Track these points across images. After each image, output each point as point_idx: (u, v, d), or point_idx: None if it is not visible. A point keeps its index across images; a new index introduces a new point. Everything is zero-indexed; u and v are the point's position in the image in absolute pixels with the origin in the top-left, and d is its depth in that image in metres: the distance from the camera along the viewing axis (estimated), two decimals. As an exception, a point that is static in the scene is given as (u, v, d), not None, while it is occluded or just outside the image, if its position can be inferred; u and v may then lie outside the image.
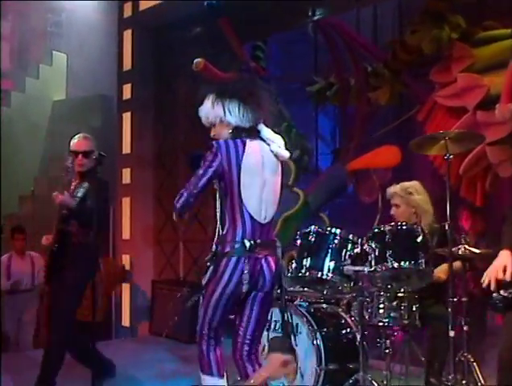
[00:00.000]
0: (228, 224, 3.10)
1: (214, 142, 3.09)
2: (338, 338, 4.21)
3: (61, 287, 4.19)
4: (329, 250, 4.03)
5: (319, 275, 4.01)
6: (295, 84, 7.93)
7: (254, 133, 3.19)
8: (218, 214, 3.15)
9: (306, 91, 7.38)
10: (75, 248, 4.19)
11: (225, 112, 3.15)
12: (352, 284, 4.02)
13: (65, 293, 4.19)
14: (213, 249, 3.12)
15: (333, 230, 4.11)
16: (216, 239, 3.13)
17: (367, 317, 4.02)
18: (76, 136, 4.49)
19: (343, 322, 4.30)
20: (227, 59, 6.80)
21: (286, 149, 3.29)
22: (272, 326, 4.29)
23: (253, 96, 3.17)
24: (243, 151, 3.11)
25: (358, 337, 4.09)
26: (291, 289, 4.48)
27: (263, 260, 3.14)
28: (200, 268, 4.10)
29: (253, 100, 3.17)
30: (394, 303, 3.95)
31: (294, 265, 4.23)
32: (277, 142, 3.26)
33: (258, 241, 3.12)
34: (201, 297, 3.16)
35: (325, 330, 4.17)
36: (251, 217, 3.12)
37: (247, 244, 3.09)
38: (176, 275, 7.80)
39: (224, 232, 3.11)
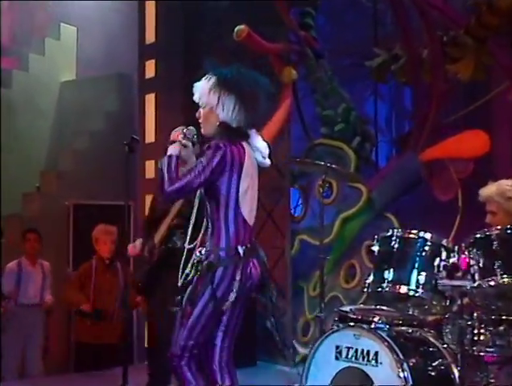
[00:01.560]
0: (220, 229, 3.29)
1: (220, 144, 3.26)
2: (429, 370, 3.92)
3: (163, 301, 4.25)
4: (418, 259, 3.88)
5: (404, 291, 3.84)
6: (345, 59, 7.69)
7: (241, 135, 3.38)
8: (209, 218, 3.32)
9: (357, 68, 7.26)
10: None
11: (217, 105, 3.34)
12: (447, 302, 3.72)
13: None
14: (202, 257, 3.29)
15: (422, 234, 3.93)
16: (207, 245, 3.30)
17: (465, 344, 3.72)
18: None
19: (434, 350, 4.00)
20: (271, 27, 6.56)
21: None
22: (343, 354, 3.96)
23: (252, 97, 3.35)
24: (244, 154, 3.34)
25: (455, 369, 3.77)
26: (362, 306, 4.42)
27: (252, 265, 3.36)
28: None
29: (251, 100, 3.35)
30: (501, 328, 3.77)
31: (371, 278, 3.99)
32: (262, 151, 3.49)
33: (249, 246, 3.34)
34: (182, 310, 3.29)
35: (413, 360, 3.88)
36: (244, 221, 3.35)
37: (241, 251, 3.30)
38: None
39: (215, 238, 3.29)
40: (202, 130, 3.47)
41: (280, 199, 6.70)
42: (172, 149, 3.37)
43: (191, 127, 3.45)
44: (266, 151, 3.54)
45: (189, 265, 3.35)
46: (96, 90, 9.40)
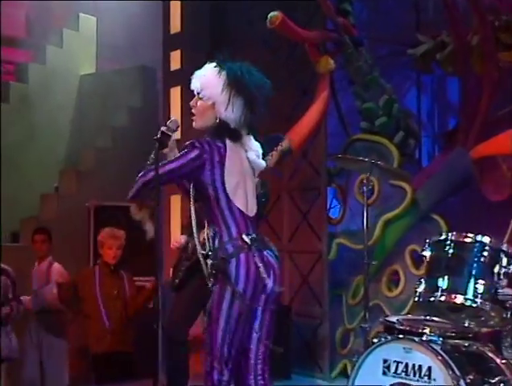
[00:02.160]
0: (219, 226, 3.38)
1: (196, 143, 3.34)
2: (487, 388, 3.78)
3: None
4: (475, 266, 3.78)
5: (460, 300, 3.74)
6: (382, 48, 7.49)
7: (236, 136, 3.44)
8: (206, 219, 3.44)
9: (395, 57, 7.21)
10: None
11: (227, 105, 3.37)
12: (507, 314, 3.59)
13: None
14: (208, 253, 3.39)
15: (479, 238, 3.82)
16: (210, 246, 3.39)
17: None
18: None
19: (492, 365, 3.89)
20: (307, 14, 6.44)
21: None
22: (392, 369, 3.82)
23: (257, 101, 3.43)
24: (225, 151, 3.39)
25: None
26: (411, 316, 4.34)
27: (266, 254, 3.42)
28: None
29: (256, 104, 3.43)
30: None
31: (422, 287, 3.84)
32: (255, 150, 3.54)
33: (255, 236, 3.39)
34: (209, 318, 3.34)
35: (470, 376, 3.77)
36: (241, 212, 3.38)
37: (247, 239, 3.34)
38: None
39: (218, 235, 3.38)
40: (194, 123, 3.51)
41: (316, 199, 6.60)
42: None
43: (174, 118, 3.49)
44: (260, 150, 3.59)
45: (207, 272, 3.43)
46: (117, 84, 9.38)
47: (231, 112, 3.39)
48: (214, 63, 3.47)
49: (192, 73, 7.95)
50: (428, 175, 6.31)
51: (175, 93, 8.01)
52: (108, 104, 9.40)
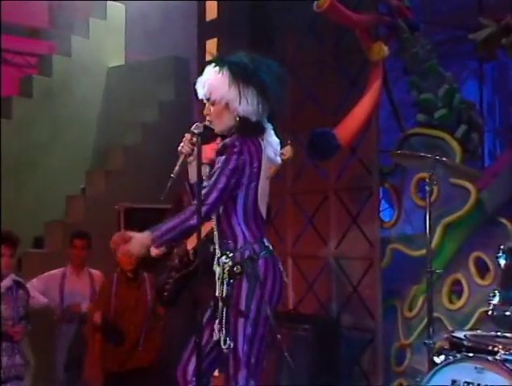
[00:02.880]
0: (240, 229, 3.56)
1: (236, 142, 3.47)
2: None
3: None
4: None
5: None
6: (438, 34, 7.44)
7: (260, 130, 3.59)
8: (225, 220, 3.59)
9: (453, 43, 7.13)
10: None
11: (240, 99, 3.46)
12: None
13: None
14: (230, 261, 3.53)
15: None
16: (227, 249, 3.57)
17: None
18: None
19: None
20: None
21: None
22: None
23: (269, 86, 3.49)
24: (261, 151, 3.55)
25: None
26: (480, 332, 4.20)
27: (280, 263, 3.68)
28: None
29: (269, 90, 3.50)
30: None
31: (496, 299, 3.75)
32: (274, 147, 3.67)
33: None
34: (229, 319, 3.48)
35: None
36: (262, 217, 3.61)
37: (268, 244, 3.63)
38: (283, 305, 7.19)
39: (239, 238, 3.56)
40: (216, 129, 3.59)
41: (367, 200, 6.45)
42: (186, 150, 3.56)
43: (198, 123, 3.56)
44: (278, 148, 3.71)
45: (221, 275, 3.56)
46: (148, 76, 9.47)
47: (247, 105, 3.49)
48: (213, 64, 3.56)
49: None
50: (494, 174, 6.13)
51: None
52: (137, 99, 9.44)
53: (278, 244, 7.24)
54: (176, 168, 3.49)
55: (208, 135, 3.60)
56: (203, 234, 4.37)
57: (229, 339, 3.49)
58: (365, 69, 6.24)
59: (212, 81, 3.53)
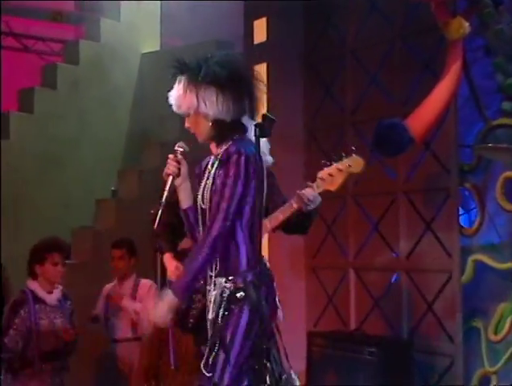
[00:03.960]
0: (240, 248, 3.70)
1: (242, 151, 3.64)
2: None
3: None
4: None
5: None
6: None
7: (239, 129, 3.77)
8: (235, 233, 3.70)
9: None
10: None
11: (199, 103, 3.66)
12: None
13: None
14: (230, 285, 3.66)
15: None
16: (224, 272, 3.71)
17: None
18: None
19: None
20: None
21: None
22: None
23: (234, 80, 3.68)
24: (260, 158, 3.69)
25: None
26: None
27: None
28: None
29: (234, 85, 3.68)
30: None
31: None
32: (262, 146, 3.79)
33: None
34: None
35: None
36: (261, 231, 3.69)
37: (267, 263, 3.89)
38: (345, 324, 7.32)
39: (239, 259, 3.69)
40: (199, 139, 3.82)
41: (444, 203, 6.34)
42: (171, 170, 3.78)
43: (180, 143, 3.83)
44: (268, 146, 4.06)
45: (218, 300, 3.68)
46: None
47: (214, 107, 3.67)
48: (173, 77, 3.79)
49: (279, 47, 7.91)
50: None
51: (260, 72, 7.48)
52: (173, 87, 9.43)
53: (337, 253, 7.45)
54: (165, 193, 3.67)
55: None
56: (280, 220, 4.57)
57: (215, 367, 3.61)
58: (442, 49, 6.11)
59: (178, 94, 3.74)
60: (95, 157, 9.44)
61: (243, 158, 3.62)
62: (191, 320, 4.91)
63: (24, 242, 6.83)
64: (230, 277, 3.64)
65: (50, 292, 5.80)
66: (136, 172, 8.97)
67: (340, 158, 4.60)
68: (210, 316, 3.69)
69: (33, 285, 5.79)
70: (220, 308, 3.63)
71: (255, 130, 3.95)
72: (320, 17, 7.65)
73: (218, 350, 3.60)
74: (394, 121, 5.78)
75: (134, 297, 6.87)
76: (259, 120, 3.79)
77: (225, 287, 3.63)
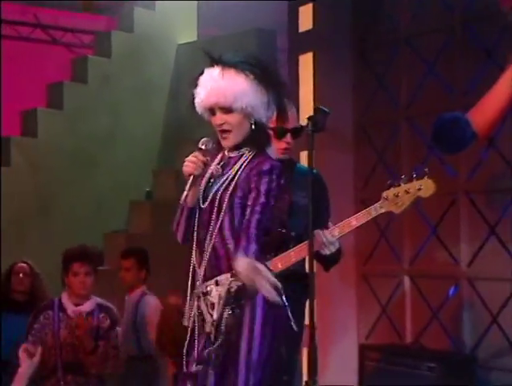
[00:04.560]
0: (254, 242, 3.64)
1: (275, 163, 3.70)
2: None
3: None
4: None
5: None
6: None
7: (269, 139, 3.86)
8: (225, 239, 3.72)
9: None
10: None
11: (268, 105, 3.66)
12: None
13: None
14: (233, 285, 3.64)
15: None
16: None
17: None
18: None
19: None
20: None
21: None
22: None
23: (285, 85, 3.83)
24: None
25: None
26: None
27: None
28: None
29: (279, 93, 3.73)
30: None
31: None
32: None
33: None
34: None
35: None
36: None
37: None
38: (400, 337, 7.23)
39: (248, 251, 3.61)
40: (230, 141, 3.72)
41: (509, 205, 6.25)
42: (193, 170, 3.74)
43: (204, 139, 3.77)
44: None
45: (223, 299, 3.64)
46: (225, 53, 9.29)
47: (268, 112, 3.68)
48: (228, 66, 3.65)
49: (327, 35, 7.77)
50: None
51: (305, 62, 7.85)
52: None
53: (391, 259, 7.36)
54: (185, 192, 3.66)
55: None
56: (293, 261, 4.44)
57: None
58: (506, 37, 6.05)
59: (235, 87, 3.62)
60: (128, 155, 9.43)
61: (278, 170, 3.66)
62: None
63: (55, 247, 6.90)
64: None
65: (77, 303, 5.78)
66: (173, 172, 8.82)
67: (409, 179, 4.46)
68: (212, 317, 3.63)
69: (64, 295, 5.83)
70: (226, 306, 3.61)
71: (307, 124, 3.93)
72: (371, 1, 7.57)
73: (235, 352, 3.60)
74: (455, 114, 5.61)
75: (134, 313, 6.82)
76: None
77: (232, 282, 3.60)
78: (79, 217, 8.93)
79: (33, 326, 5.79)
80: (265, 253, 3.76)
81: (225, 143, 3.72)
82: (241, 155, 3.74)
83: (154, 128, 10.04)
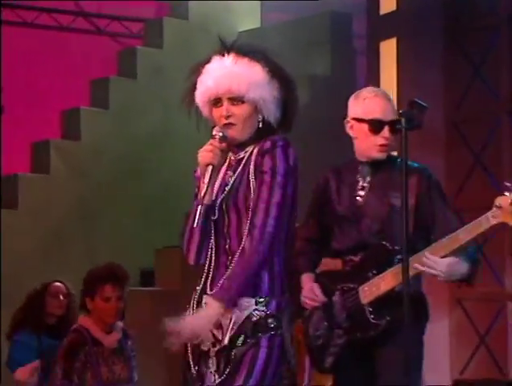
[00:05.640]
0: (280, 264, 3.70)
1: (281, 140, 3.71)
2: None
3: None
4: None
5: None
6: None
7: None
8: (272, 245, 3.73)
9: None
10: None
11: (278, 103, 3.74)
12: None
13: None
14: (271, 298, 3.63)
15: None
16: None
17: None
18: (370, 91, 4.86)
19: None
20: None
21: None
22: None
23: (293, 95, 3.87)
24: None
25: None
26: None
27: None
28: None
29: (291, 98, 3.86)
30: None
31: None
32: None
33: None
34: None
35: None
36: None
37: None
38: (501, 371, 7.32)
39: (277, 274, 3.67)
40: (239, 134, 3.73)
41: None
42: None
43: (218, 127, 3.77)
44: None
45: (238, 325, 3.60)
46: (293, 41, 9.38)
47: (276, 108, 3.73)
48: (243, 55, 3.73)
49: (412, 18, 7.79)
50: None
51: (388, 48, 7.97)
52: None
53: (491, 281, 7.46)
54: (205, 186, 3.66)
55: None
56: (387, 288, 4.49)
57: None
58: None
59: (250, 76, 3.70)
60: (182, 159, 9.12)
61: (282, 144, 3.70)
62: (329, 359, 4.78)
63: (99, 263, 6.64)
64: (261, 299, 3.61)
65: (108, 332, 5.68)
66: (231, 179, 8.70)
67: None
68: (226, 341, 3.60)
69: (86, 321, 5.71)
70: (241, 334, 3.59)
71: (401, 121, 4.05)
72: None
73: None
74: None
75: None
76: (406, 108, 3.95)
77: (255, 310, 3.59)
78: (126, 230, 8.90)
79: (74, 365, 5.60)
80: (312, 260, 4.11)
81: (232, 134, 3.75)
82: (249, 152, 3.76)
83: (211, 127, 9.75)
